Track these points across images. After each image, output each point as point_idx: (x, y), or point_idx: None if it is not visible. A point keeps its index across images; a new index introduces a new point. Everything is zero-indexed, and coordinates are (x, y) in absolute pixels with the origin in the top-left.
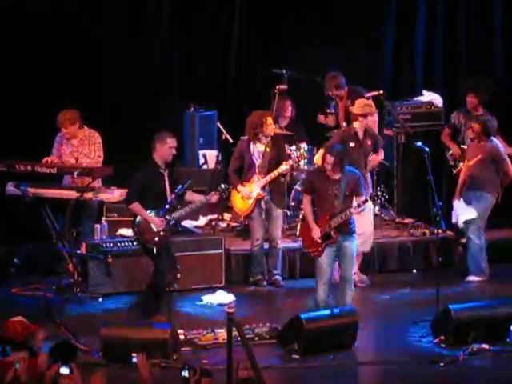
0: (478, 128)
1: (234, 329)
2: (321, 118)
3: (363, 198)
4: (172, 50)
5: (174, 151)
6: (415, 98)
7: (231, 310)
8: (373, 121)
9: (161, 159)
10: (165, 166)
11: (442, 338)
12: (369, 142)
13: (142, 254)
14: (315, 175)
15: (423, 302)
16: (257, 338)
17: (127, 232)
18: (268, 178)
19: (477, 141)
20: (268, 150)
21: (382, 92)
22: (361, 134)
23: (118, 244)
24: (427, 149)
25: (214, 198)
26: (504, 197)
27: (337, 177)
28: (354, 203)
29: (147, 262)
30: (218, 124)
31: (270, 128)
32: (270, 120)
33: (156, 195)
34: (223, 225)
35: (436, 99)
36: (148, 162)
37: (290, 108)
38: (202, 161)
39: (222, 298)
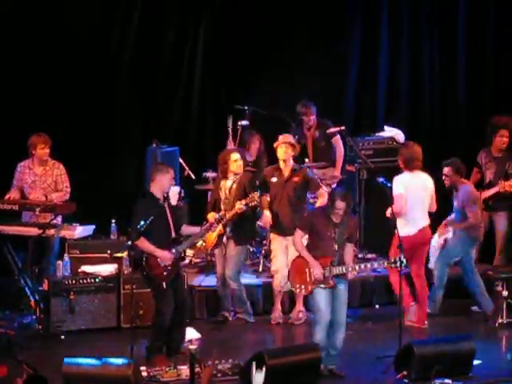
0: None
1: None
2: None
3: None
4: (134, 87)
5: (173, 182)
6: (377, 134)
7: (194, 347)
8: (282, 153)
9: (160, 191)
10: (163, 199)
11: (405, 373)
12: (295, 179)
13: (105, 290)
14: (317, 215)
15: (386, 337)
16: (219, 375)
17: (90, 269)
18: (227, 215)
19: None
20: (234, 186)
21: (343, 128)
22: (285, 170)
23: (81, 281)
24: (389, 184)
25: (213, 227)
26: None
27: (338, 220)
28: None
29: (109, 298)
30: (180, 160)
31: (235, 165)
32: (233, 157)
33: (160, 229)
34: (186, 261)
35: (398, 134)
36: (146, 196)
37: (253, 145)
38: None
39: (190, 334)
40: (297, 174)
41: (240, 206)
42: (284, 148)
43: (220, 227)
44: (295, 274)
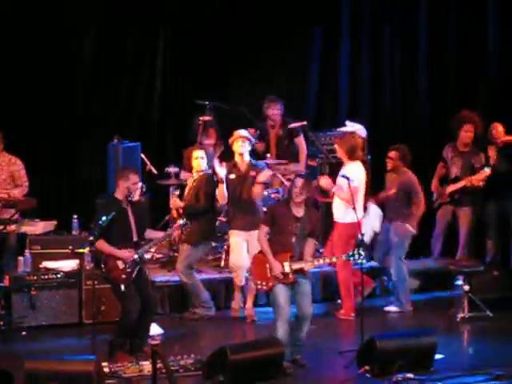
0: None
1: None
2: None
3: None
4: (97, 79)
5: (137, 187)
6: (338, 129)
7: (155, 343)
8: (238, 147)
9: (123, 195)
10: (127, 202)
11: (367, 367)
12: (252, 173)
13: (67, 286)
14: (278, 208)
15: (348, 332)
16: (182, 370)
17: (51, 264)
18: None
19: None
20: (194, 184)
21: (305, 123)
22: (242, 166)
23: (42, 276)
24: (351, 179)
25: (175, 232)
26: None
27: (300, 214)
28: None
29: (71, 294)
30: (142, 155)
31: (195, 162)
32: (195, 154)
33: (120, 231)
34: (148, 256)
35: (359, 129)
36: (110, 198)
37: (209, 139)
38: None
39: (152, 330)
40: (254, 168)
41: (175, 203)
42: (240, 142)
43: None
44: (256, 270)
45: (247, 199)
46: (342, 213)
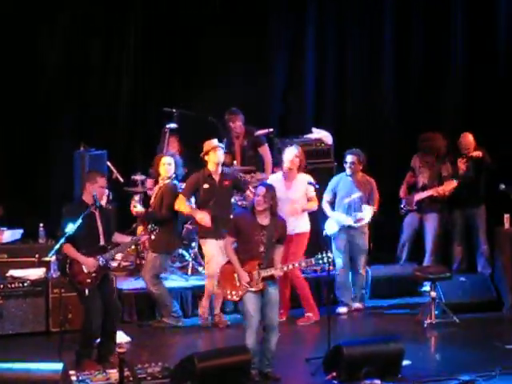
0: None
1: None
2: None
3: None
4: (63, 87)
5: (104, 190)
6: (305, 136)
7: (122, 350)
8: (216, 157)
9: (90, 198)
10: (95, 206)
11: (334, 374)
12: (225, 183)
13: (33, 294)
14: (242, 218)
15: (315, 338)
16: (149, 378)
17: (18, 273)
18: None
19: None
20: (158, 192)
21: (271, 130)
22: (216, 175)
23: (9, 285)
24: (317, 186)
25: (143, 238)
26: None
27: (265, 222)
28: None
29: (38, 302)
30: (108, 163)
31: (163, 168)
32: (163, 160)
33: (87, 235)
34: (115, 264)
35: (326, 136)
36: (77, 202)
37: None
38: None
39: (119, 338)
40: (226, 178)
41: (133, 209)
42: (219, 152)
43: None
44: (225, 280)
45: (221, 209)
46: (305, 222)
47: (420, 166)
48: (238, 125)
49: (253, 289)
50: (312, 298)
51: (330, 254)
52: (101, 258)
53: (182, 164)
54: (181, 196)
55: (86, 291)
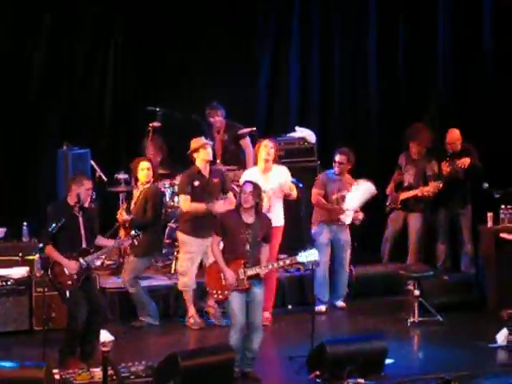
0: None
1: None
2: None
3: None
4: (46, 88)
5: (90, 193)
6: (288, 135)
7: (106, 349)
8: (206, 154)
9: (74, 201)
10: (79, 208)
11: (318, 373)
12: (215, 180)
13: (17, 293)
14: (227, 216)
15: (299, 337)
16: (133, 377)
17: (1, 271)
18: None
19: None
20: (140, 196)
21: (254, 129)
22: (205, 172)
23: None
24: (301, 184)
25: (126, 243)
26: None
27: (250, 220)
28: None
29: (21, 301)
30: (92, 162)
31: (141, 174)
32: (141, 165)
33: (70, 237)
34: (98, 263)
35: (309, 135)
36: (61, 203)
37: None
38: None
39: (103, 337)
40: (214, 175)
41: (121, 217)
42: (208, 149)
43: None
44: (211, 280)
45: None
46: (281, 217)
47: (406, 164)
48: (217, 119)
49: (238, 288)
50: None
51: (314, 251)
52: (83, 261)
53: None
54: (183, 197)
55: (67, 293)
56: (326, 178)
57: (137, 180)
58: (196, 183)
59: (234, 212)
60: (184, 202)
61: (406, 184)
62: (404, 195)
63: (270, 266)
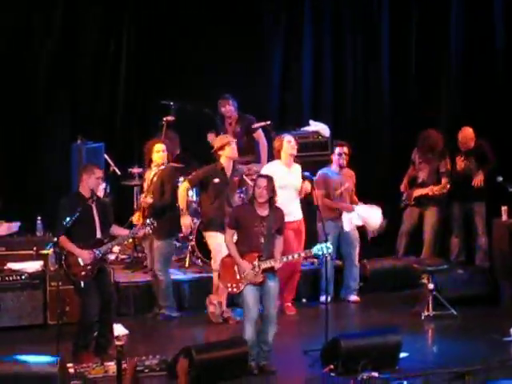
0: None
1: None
2: (210, 137)
3: (305, 254)
4: (59, 81)
5: (100, 182)
6: (302, 129)
7: (120, 343)
8: (232, 152)
9: (87, 191)
10: (92, 199)
11: (332, 366)
12: (235, 179)
13: (31, 287)
14: (242, 210)
15: (313, 331)
16: (147, 370)
17: (15, 266)
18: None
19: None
20: (155, 179)
21: (269, 123)
22: (228, 170)
23: (7, 278)
24: (314, 178)
25: (140, 232)
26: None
27: (264, 213)
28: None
29: (35, 295)
30: (106, 156)
31: (157, 156)
32: (157, 147)
33: (83, 228)
34: (112, 257)
35: (323, 129)
36: (74, 194)
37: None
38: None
39: (117, 331)
40: (236, 174)
41: (146, 200)
42: (234, 146)
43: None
44: (225, 273)
45: (228, 204)
46: (300, 211)
47: (420, 161)
48: (228, 109)
49: (253, 281)
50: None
51: (329, 245)
52: (97, 251)
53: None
54: (185, 182)
55: (82, 284)
56: (325, 176)
57: (150, 162)
58: (216, 180)
59: (248, 205)
60: (181, 186)
61: (419, 181)
62: (417, 192)
63: (285, 259)
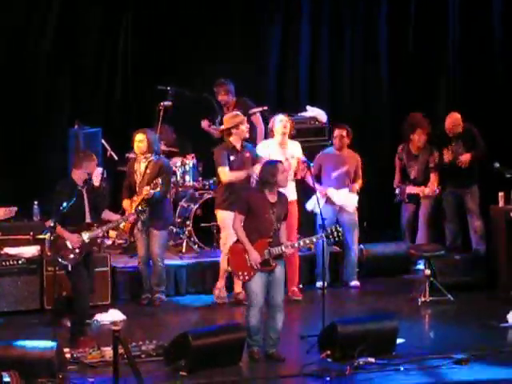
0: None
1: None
2: (204, 124)
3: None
4: (58, 67)
5: (95, 170)
6: (299, 114)
7: (117, 328)
8: (245, 130)
9: (79, 177)
10: (83, 184)
11: (329, 352)
12: (247, 154)
13: (28, 272)
14: (253, 195)
15: (310, 316)
16: (143, 356)
17: (12, 250)
18: (136, 200)
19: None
20: (148, 171)
21: (266, 108)
22: (239, 147)
23: (3, 263)
24: (311, 163)
25: (131, 217)
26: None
27: (274, 199)
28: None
29: (32, 280)
30: (103, 141)
31: (135, 146)
32: (137, 137)
33: (73, 212)
34: (109, 242)
35: (320, 115)
36: (67, 179)
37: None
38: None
39: (114, 316)
40: (246, 150)
41: (146, 191)
42: (246, 124)
43: (132, 211)
44: (235, 260)
45: (244, 181)
46: (294, 191)
47: (408, 160)
48: (222, 94)
49: (264, 269)
50: None
51: (339, 228)
52: (85, 235)
53: (157, 139)
54: (221, 168)
55: (69, 267)
56: (323, 155)
57: (135, 152)
58: (232, 158)
59: (258, 191)
60: (223, 174)
61: (411, 177)
62: (410, 190)
63: (296, 245)
